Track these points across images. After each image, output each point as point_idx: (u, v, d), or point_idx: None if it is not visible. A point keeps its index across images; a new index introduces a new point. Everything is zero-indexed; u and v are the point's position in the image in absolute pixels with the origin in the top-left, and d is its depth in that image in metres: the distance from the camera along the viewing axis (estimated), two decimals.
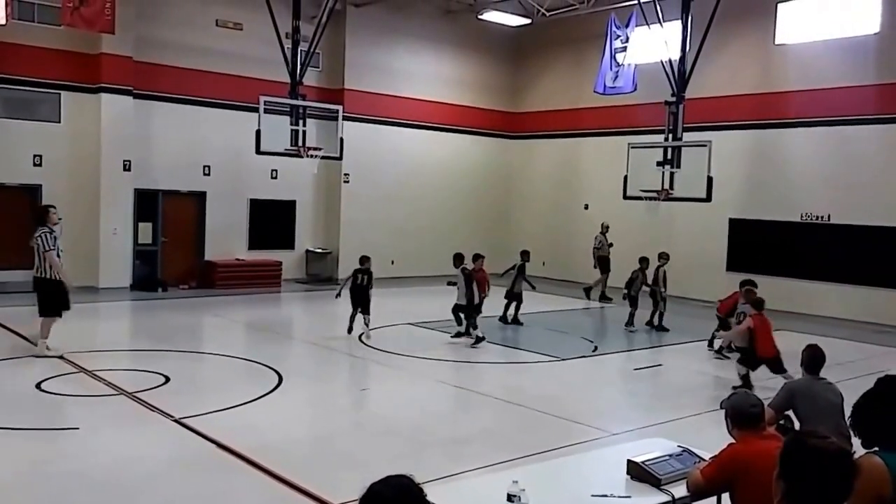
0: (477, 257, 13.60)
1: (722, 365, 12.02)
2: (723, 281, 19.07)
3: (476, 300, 13.02)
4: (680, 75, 16.42)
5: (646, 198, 16.79)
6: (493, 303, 14.32)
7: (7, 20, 14.70)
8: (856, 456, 2.97)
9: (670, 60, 16.51)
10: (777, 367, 10.07)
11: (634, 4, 17.58)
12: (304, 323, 16.78)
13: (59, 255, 10.80)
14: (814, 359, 6.20)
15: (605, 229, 19.60)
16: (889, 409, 3.46)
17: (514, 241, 24.29)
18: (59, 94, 17.14)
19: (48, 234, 10.70)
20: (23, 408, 8.73)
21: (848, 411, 3.76)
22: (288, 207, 20.71)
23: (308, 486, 6.44)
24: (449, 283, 13.82)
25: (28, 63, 16.57)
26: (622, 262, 17.82)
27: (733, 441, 4.26)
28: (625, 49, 18.11)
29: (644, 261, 15.15)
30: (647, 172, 16.47)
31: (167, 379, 9.85)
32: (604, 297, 18.91)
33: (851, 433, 3.72)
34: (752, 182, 18.77)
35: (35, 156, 16.90)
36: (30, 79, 16.71)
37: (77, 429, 7.86)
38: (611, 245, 19.47)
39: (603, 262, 19.29)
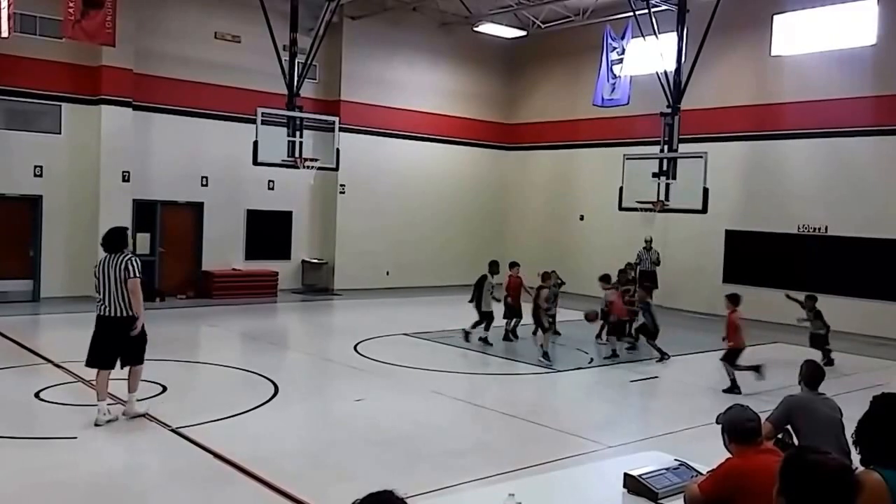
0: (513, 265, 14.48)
1: (719, 377, 12.02)
2: (718, 293, 19.04)
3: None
4: (675, 86, 16.45)
5: (641, 209, 16.78)
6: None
7: (9, 33, 14.69)
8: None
9: (666, 72, 16.57)
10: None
11: (630, 16, 17.66)
12: (299, 333, 16.78)
13: None
14: (813, 374, 6.22)
15: (647, 244, 18.75)
16: (886, 427, 3.48)
17: (509, 252, 24.25)
18: (60, 105, 17.21)
19: (134, 260, 8.51)
20: (21, 416, 8.77)
21: (847, 426, 3.76)
22: (284, 218, 20.73)
23: (302, 496, 6.46)
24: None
25: (30, 75, 16.65)
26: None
27: (731, 455, 4.21)
28: (621, 61, 18.14)
29: (546, 277, 14.17)
30: (643, 184, 16.43)
31: (164, 388, 9.88)
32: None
33: (852, 449, 3.71)
34: (749, 193, 18.77)
35: (36, 167, 16.94)
36: (31, 91, 16.79)
37: (75, 438, 7.86)
38: (656, 263, 18.60)
39: (644, 278, 17.46)
